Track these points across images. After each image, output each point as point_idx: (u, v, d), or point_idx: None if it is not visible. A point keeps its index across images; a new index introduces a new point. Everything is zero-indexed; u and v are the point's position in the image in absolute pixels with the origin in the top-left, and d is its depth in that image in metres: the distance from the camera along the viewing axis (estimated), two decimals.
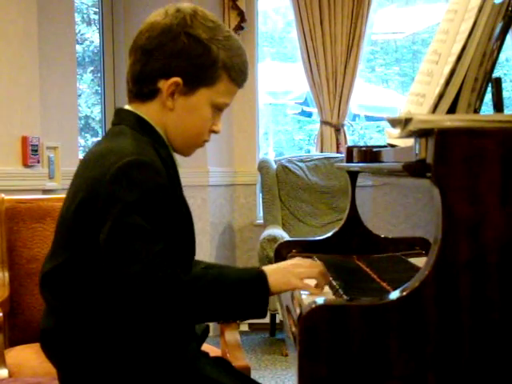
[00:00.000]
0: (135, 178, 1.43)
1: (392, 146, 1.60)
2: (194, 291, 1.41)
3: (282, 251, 2.04)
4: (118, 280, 1.41)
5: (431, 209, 1.27)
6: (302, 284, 1.50)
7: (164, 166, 1.50)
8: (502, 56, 5.26)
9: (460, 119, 1.22)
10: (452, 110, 1.36)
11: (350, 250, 2.01)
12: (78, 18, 4.70)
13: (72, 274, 1.51)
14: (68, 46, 4.02)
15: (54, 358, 1.59)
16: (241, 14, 4.76)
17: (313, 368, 1.20)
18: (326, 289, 1.56)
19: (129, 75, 1.58)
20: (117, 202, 1.41)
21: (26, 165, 3.49)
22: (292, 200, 4.70)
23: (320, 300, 1.24)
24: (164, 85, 1.53)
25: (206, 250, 4.62)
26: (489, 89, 1.41)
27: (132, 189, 1.42)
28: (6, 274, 2.43)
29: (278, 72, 6.06)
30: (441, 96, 1.36)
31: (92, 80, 5.05)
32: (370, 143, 6.28)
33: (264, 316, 1.47)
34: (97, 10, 4.79)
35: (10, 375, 2.17)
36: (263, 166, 4.68)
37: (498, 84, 1.42)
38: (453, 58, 1.37)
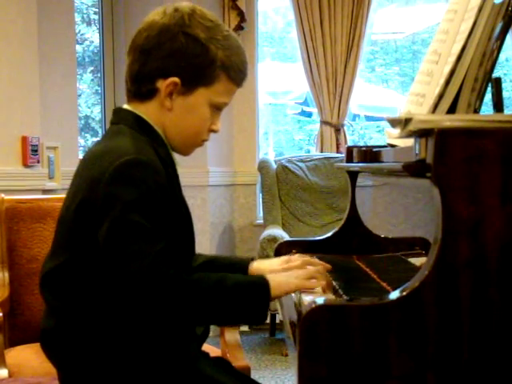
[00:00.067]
0: (134, 176, 1.43)
1: (392, 145, 1.60)
2: (195, 293, 1.41)
3: (282, 251, 2.04)
4: (118, 279, 1.41)
5: (431, 209, 1.27)
6: (303, 283, 1.50)
7: (163, 166, 1.50)
8: (502, 56, 5.26)
9: (460, 119, 1.22)
10: (452, 110, 1.36)
11: (350, 249, 2.01)
12: (78, 17, 4.70)
13: (72, 274, 1.51)
14: (68, 46, 4.02)
15: (54, 358, 1.59)
16: (241, 14, 4.76)
17: (313, 368, 1.20)
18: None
19: (127, 74, 1.58)
20: (116, 201, 1.41)
21: (25, 165, 3.49)
22: (292, 200, 4.70)
23: (320, 300, 1.24)
24: (162, 85, 1.53)
25: (205, 250, 4.61)
26: (489, 89, 1.41)
27: (131, 188, 1.42)
28: (6, 274, 2.43)
29: (278, 72, 6.07)
30: (441, 96, 1.36)
31: (92, 80, 5.05)
32: (370, 143, 6.28)
33: (263, 322, 1.47)
34: (97, 10, 4.79)
35: (10, 375, 2.17)
36: (263, 166, 4.68)
37: (497, 84, 1.42)
38: (453, 58, 1.37)
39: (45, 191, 3.53)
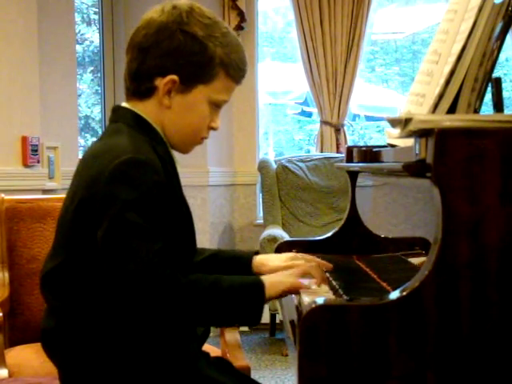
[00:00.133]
0: (132, 176, 1.42)
1: (392, 145, 1.60)
2: (190, 294, 1.41)
3: (282, 251, 2.03)
4: (116, 278, 1.41)
5: (431, 209, 1.27)
6: (298, 282, 1.50)
7: (162, 164, 1.49)
8: (502, 56, 5.26)
9: (460, 119, 1.22)
10: (452, 110, 1.36)
11: (350, 249, 2.01)
12: (78, 17, 4.70)
13: (73, 274, 1.51)
14: (68, 46, 4.02)
15: (55, 357, 1.59)
16: (241, 14, 4.76)
17: (313, 368, 1.20)
18: (326, 288, 1.56)
19: (126, 72, 1.58)
20: (114, 201, 1.41)
21: (25, 165, 3.49)
22: (292, 200, 4.70)
23: (320, 300, 1.24)
24: (160, 83, 1.53)
25: None
26: (489, 89, 1.41)
27: (129, 187, 1.41)
28: (6, 274, 2.43)
29: (278, 72, 6.06)
30: (441, 96, 1.36)
31: (92, 80, 5.05)
32: (370, 143, 6.28)
33: (258, 323, 1.46)
34: (97, 10, 4.79)
35: (10, 375, 2.17)
36: (263, 166, 4.68)
37: (497, 84, 1.42)
38: (453, 58, 1.37)
39: (45, 191, 3.53)
